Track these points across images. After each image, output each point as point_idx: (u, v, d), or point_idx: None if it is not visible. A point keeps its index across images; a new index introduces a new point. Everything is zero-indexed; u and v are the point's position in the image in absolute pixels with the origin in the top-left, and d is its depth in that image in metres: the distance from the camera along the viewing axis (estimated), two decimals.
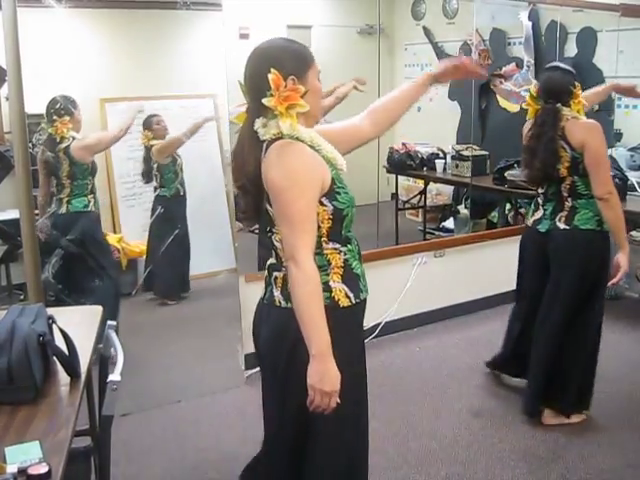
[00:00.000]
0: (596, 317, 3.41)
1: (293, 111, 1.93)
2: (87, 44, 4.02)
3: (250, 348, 3.88)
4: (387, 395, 3.79)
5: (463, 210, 6.36)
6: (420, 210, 6.67)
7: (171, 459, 3.23)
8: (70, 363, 2.02)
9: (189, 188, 4.52)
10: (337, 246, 2.03)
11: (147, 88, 4.18)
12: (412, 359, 4.34)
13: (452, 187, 6.58)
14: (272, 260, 2.10)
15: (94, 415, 2.47)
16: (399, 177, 6.47)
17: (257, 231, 5.84)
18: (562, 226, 3.31)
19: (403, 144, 6.25)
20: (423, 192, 6.44)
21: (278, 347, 2.05)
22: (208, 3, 3.81)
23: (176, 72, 4.21)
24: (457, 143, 6.23)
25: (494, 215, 5.98)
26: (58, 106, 3.82)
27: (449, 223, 6.44)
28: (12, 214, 3.55)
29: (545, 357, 3.43)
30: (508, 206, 5.87)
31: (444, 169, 6.19)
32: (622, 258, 3.24)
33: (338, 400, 1.92)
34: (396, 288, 4.66)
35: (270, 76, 1.90)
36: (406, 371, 4.16)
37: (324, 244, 2.00)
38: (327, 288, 1.99)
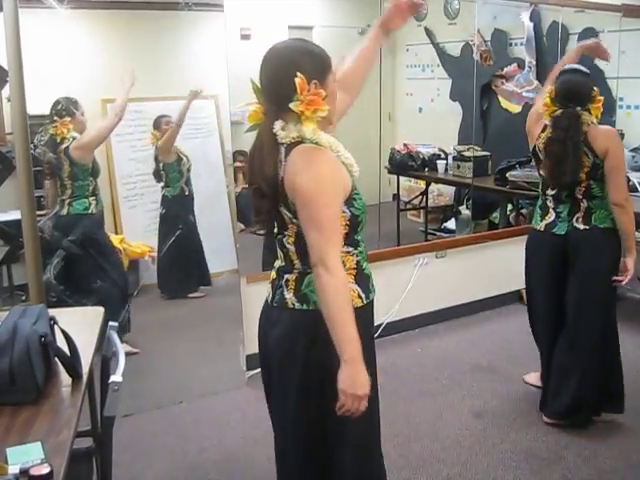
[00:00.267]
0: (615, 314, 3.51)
1: (315, 116, 1.94)
2: (89, 45, 4.01)
3: (252, 349, 3.91)
4: (388, 396, 3.78)
5: (464, 211, 6.36)
6: (421, 211, 6.67)
7: (172, 460, 3.23)
8: (72, 364, 2.02)
9: None
10: (350, 249, 2.05)
11: (149, 89, 4.17)
12: (413, 360, 4.34)
13: (453, 188, 6.57)
14: (280, 262, 2.10)
15: (96, 416, 2.47)
16: (400, 178, 6.46)
17: (259, 232, 5.88)
18: (581, 227, 3.32)
19: (404, 145, 6.24)
20: (424, 193, 6.43)
21: (292, 349, 2.04)
22: (210, 4, 3.81)
23: (178, 73, 4.21)
24: (458, 144, 6.22)
25: (495, 216, 5.97)
26: (59, 107, 3.82)
27: (450, 224, 6.43)
28: (14, 215, 3.55)
29: (594, 361, 3.40)
30: (510, 207, 5.86)
31: (445, 170, 6.18)
32: (630, 262, 3.30)
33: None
34: (398, 289, 4.66)
35: (297, 80, 1.90)
36: (407, 372, 4.16)
37: None
38: None
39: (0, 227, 4.08)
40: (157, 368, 3.98)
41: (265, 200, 1.96)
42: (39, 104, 3.66)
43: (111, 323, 2.38)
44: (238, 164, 5.76)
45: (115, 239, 4.31)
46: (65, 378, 2.02)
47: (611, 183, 3.24)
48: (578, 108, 3.23)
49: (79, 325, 2.35)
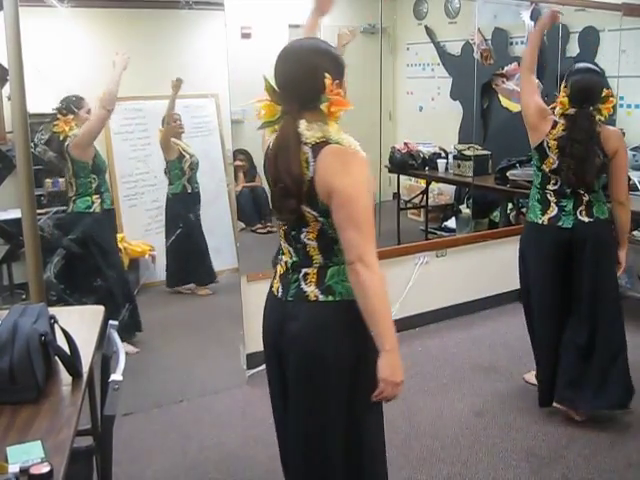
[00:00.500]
0: None
1: (339, 115, 2.00)
2: (89, 43, 4.02)
3: (252, 348, 3.92)
4: None
5: (465, 210, 6.36)
6: (422, 210, 6.67)
7: (173, 459, 3.23)
8: (72, 363, 2.02)
9: None
10: None
11: (149, 87, 4.17)
12: (414, 359, 4.34)
13: (454, 187, 6.57)
14: (292, 258, 2.11)
15: (96, 415, 2.47)
16: (401, 177, 6.47)
17: (260, 231, 5.88)
18: (586, 219, 3.39)
19: (405, 144, 6.25)
20: (425, 192, 6.44)
21: (321, 341, 2.05)
22: (210, 3, 3.81)
23: (178, 71, 4.20)
24: (459, 143, 6.23)
25: (496, 215, 5.98)
26: (63, 105, 3.83)
27: (451, 223, 6.44)
28: (14, 214, 3.55)
29: (616, 349, 3.46)
30: (510, 206, 5.86)
31: (446, 169, 6.18)
32: (623, 255, 3.48)
33: None
34: (398, 288, 4.66)
35: (327, 80, 1.94)
36: (408, 371, 4.11)
37: None
38: None
39: (0, 226, 4.08)
40: (157, 367, 3.98)
41: (291, 199, 1.98)
42: (39, 103, 3.66)
43: (111, 322, 2.38)
44: (238, 163, 5.77)
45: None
46: (65, 377, 2.02)
47: (617, 182, 3.37)
48: (591, 108, 3.29)
49: (79, 324, 2.35)
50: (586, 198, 3.39)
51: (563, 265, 3.45)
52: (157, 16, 4.06)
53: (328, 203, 1.95)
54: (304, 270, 2.08)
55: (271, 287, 2.22)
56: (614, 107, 3.58)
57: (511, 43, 6.16)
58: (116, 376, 1.98)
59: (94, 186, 3.95)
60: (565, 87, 3.35)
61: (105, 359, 2.32)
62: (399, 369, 2.03)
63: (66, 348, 2.02)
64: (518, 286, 3.77)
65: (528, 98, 3.45)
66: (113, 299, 3.95)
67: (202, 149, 4.64)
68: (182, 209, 4.53)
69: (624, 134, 5.54)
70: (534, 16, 5.78)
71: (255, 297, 3.98)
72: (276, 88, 2.03)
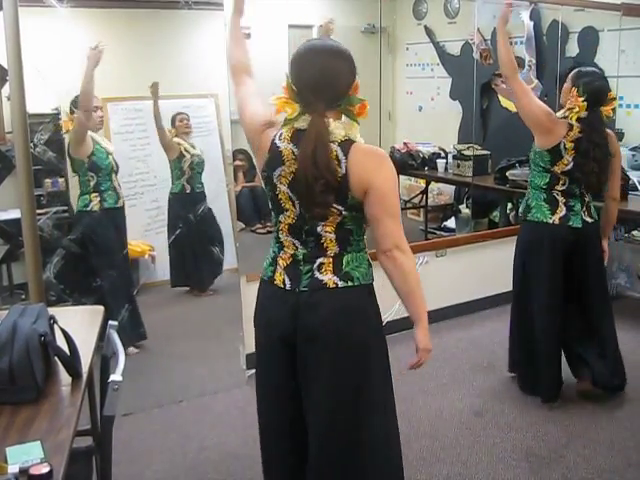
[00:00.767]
0: None
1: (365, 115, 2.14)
2: (88, 44, 4.01)
3: (252, 348, 3.90)
4: None
5: (464, 210, 6.36)
6: (421, 210, 6.68)
7: (172, 459, 3.23)
8: (71, 363, 2.02)
9: None
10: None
11: (148, 87, 4.17)
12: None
13: (453, 187, 6.57)
14: (303, 250, 2.16)
15: (95, 415, 2.47)
16: (400, 177, 6.46)
17: (259, 231, 5.88)
18: (589, 219, 3.57)
19: (404, 143, 6.25)
20: (424, 192, 6.44)
21: (353, 322, 2.17)
22: (210, 3, 3.81)
23: (178, 71, 4.21)
24: (458, 142, 6.23)
25: (495, 215, 5.98)
26: (71, 104, 3.83)
27: (450, 223, 6.44)
28: (13, 214, 3.55)
29: (614, 337, 3.78)
30: (509, 206, 5.86)
31: (445, 169, 6.19)
32: (606, 244, 3.76)
33: None
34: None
35: (357, 81, 2.09)
36: (407, 371, 4.14)
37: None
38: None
39: (0, 226, 4.08)
40: (157, 367, 3.98)
41: (331, 194, 2.05)
42: (39, 103, 3.66)
43: (111, 322, 2.38)
44: (238, 163, 5.77)
45: None
46: (65, 377, 2.02)
47: (615, 180, 3.63)
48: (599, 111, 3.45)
49: (79, 324, 2.36)
50: (587, 199, 3.56)
51: (568, 263, 3.58)
52: (157, 16, 4.06)
53: (361, 198, 2.07)
54: (319, 260, 2.15)
55: (270, 280, 2.21)
56: (614, 107, 3.62)
57: (510, 43, 6.12)
58: (116, 376, 1.98)
59: (92, 184, 3.93)
60: (577, 90, 3.42)
61: (105, 359, 2.32)
62: (430, 339, 2.39)
63: (66, 348, 2.02)
64: None
65: (530, 102, 3.47)
66: (113, 299, 3.94)
67: (202, 149, 4.64)
68: (181, 209, 4.53)
69: (624, 134, 5.56)
70: (533, 16, 5.79)
71: (255, 297, 3.97)
72: (293, 87, 2.09)
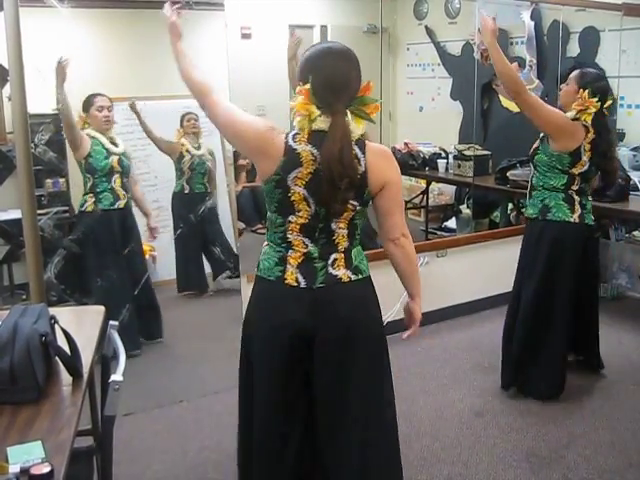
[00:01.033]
0: None
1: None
2: (89, 44, 4.02)
3: None
4: None
5: (465, 210, 6.36)
6: (422, 210, 6.67)
7: (173, 459, 3.23)
8: (72, 363, 2.02)
9: None
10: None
11: (149, 88, 4.18)
12: (414, 359, 4.34)
13: (454, 187, 6.57)
14: (314, 247, 2.20)
15: (96, 415, 2.47)
16: (401, 177, 6.46)
17: (260, 231, 5.86)
18: (592, 217, 3.70)
19: (405, 144, 6.24)
20: (425, 192, 6.44)
21: (373, 315, 2.33)
22: (210, 3, 3.81)
23: (178, 72, 4.20)
24: (459, 143, 6.22)
25: (496, 215, 5.98)
26: (83, 104, 3.86)
27: (451, 223, 6.44)
28: (14, 214, 3.56)
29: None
30: (510, 206, 5.86)
31: (446, 169, 6.18)
32: None
33: None
34: (398, 288, 4.62)
35: (372, 83, 2.20)
36: (408, 371, 4.16)
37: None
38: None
39: (1, 226, 4.09)
40: (158, 367, 3.98)
41: (352, 191, 2.14)
42: (39, 103, 3.66)
43: (112, 322, 2.38)
44: (242, 162, 5.76)
45: None
46: (66, 377, 2.02)
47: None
48: None
49: (80, 324, 2.36)
50: (590, 198, 3.70)
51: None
52: (157, 16, 4.03)
53: (375, 194, 2.21)
54: (332, 256, 2.22)
55: (279, 280, 2.21)
56: (615, 107, 3.67)
57: (511, 43, 6.16)
58: (116, 376, 1.98)
59: (89, 185, 3.95)
60: (587, 91, 3.47)
61: (105, 359, 2.32)
62: None
63: (66, 348, 2.02)
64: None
65: (549, 112, 3.49)
66: (113, 299, 3.93)
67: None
68: (182, 209, 4.54)
69: (624, 134, 5.56)
70: (534, 16, 5.78)
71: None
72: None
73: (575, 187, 3.58)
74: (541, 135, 3.62)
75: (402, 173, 6.56)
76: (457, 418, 3.60)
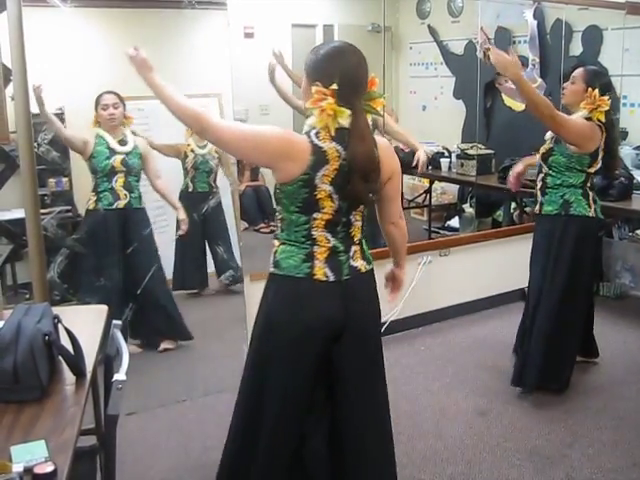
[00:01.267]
0: None
1: None
2: (91, 43, 4.01)
3: None
4: (392, 394, 3.75)
5: (468, 209, 6.36)
6: (425, 209, 6.67)
7: (176, 458, 3.23)
8: (75, 362, 2.02)
9: None
10: None
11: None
12: (417, 358, 4.34)
13: (457, 186, 6.57)
14: (337, 241, 2.27)
15: (99, 414, 2.47)
16: (404, 176, 6.44)
17: (263, 230, 5.87)
18: None
19: None
20: (428, 191, 6.43)
21: (378, 304, 2.43)
22: (213, 2, 3.81)
23: (181, 71, 4.20)
24: (462, 142, 6.22)
25: (499, 214, 5.97)
26: (94, 103, 3.88)
27: (454, 222, 6.44)
28: (17, 213, 3.56)
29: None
30: (513, 205, 5.85)
31: (449, 168, 6.18)
32: None
33: None
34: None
35: (374, 76, 2.27)
36: (411, 370, 4.16)
37: None
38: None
39: (4, 226, 4.09)
40: (161, 366, 3.98)
41: (377, 183, 2.26)
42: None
43: (115, 321, 2.38)
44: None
45: None
46: (69, 376, 2.02)
47: None
48: None
49: (83, 323, 2.36)
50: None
51: None
52: (159, 15, 4.06)
53: (384, 184, 2.31)
54: (352, 248, 2.31)
55: (308, 276, 2.23)
56: (617, 106, 3.67)
57: (514, 42, 6.15)
58: (119, 376, 1.98)
59: (92, 185, 3.96)
60: (596, 89, 3.49)
61: (108, 359, 2.32)
62: None
63: (70, 348, 2.02)
64: (521, 285, 3.78)
65: (575, 124, 3.49)
66: (116, 299, 3.93)
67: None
68: (186, 208, 4.53)
69: (627, 133, 5.55)
70: (537, 15, 5.78)
71: (259, 296, 3.96)
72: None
73: (589, 184, 3.66)
74: (552, 136, 3.61)
75: (405, 172, 6.60)
76: (460, 417, 3.59)
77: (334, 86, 2.12)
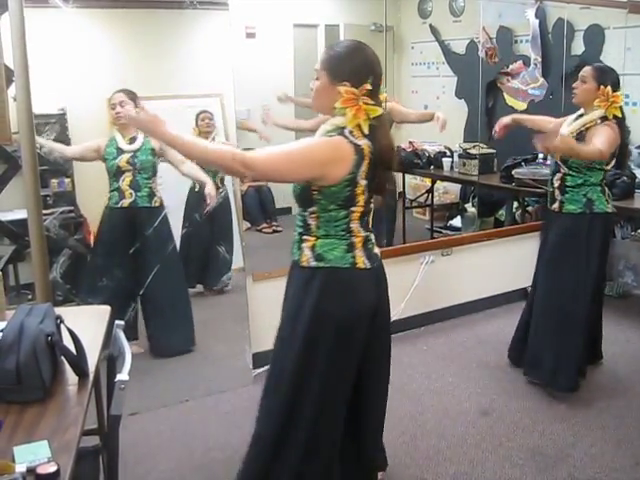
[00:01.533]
0: None
1: None
2: (93, 44, 4.01)
3: (258, 347, 3.92)
4: (394, 394, 3.77)
5: (470, 208, 6.35)
6: (427, 209, 6.66)
7: (179, 458, 3.23)
8: (78, 363, 2.02)
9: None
10: None
11: (153, 87, 4.16)
12: (420, 358, 4.34)
13: (459, 185, 6.56)
14: (365, 232, 2.42)
15: (102, 414, 2.48)
16: (406, 175, 6.46)
17: (265, 230, 5.87)
18: None
19: (410, 142, 6.23)
20: (430, 191, 6.43)
21: None
22: (215, 2, 3.81)
23: (182, 71, 4.20)
24: (464, 141, 6.21)
25: (501, 213, 5.97)
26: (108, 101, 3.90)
27: (456, 221, 6.43)
28: (20, 214, 3.56)
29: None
30: (515, 204, 5.85)
31: (451, 167, 6.17)
32: None
33: None
34: (403, 287, 4.65)
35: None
36: (413, 370, 4.15)
37: None
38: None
39: (6, 226, 4.09)
40: (163, 366, 3.98)
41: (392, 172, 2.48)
42: (45, 103, 3.66)
43: (117, 322, 2.38)
44: None
45: None
46: (72, 377, 2.03)
47: None
48: None
49: (85, 324, 2.36)
50: None
51: None
52: (161, 16, 4.06)
53: None
54: (372, 236, 2.46)
55: (352, 265, 2.35)
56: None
57: (516, 41, 6.15)
58: (122, 376, 1.98)
59: (108, 185, 3.98)
60: (609, 86, 3.56)
61: (111, 359, 2.32)
62: None
63: (72, 348, 2.03)
64: (524, 285, 3.78)
65: (607, 144, 3.47)
66: (119, 299, 3.93)
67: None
68: (188, 208, 4.53)
69: (630, 132, 5.54)
70: (539, 14, 5.77)
71: (261, 296, 3.98)
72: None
73: (604, 180, 3.72)
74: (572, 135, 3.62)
75: (407, 172, 6.56)
76: (463, 417, 3.59)
77: (368, 86, 2.23)
